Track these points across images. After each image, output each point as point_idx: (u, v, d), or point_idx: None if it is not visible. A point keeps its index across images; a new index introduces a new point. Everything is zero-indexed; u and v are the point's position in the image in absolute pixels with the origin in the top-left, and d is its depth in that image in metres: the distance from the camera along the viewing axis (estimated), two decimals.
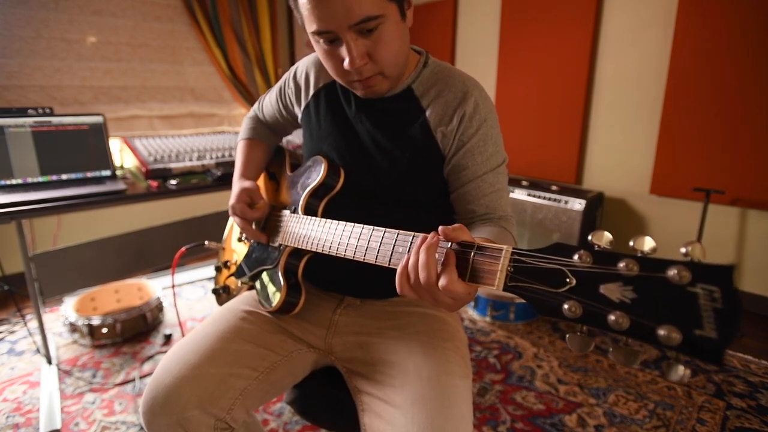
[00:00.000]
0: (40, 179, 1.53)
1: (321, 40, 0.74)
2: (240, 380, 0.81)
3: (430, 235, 0.59)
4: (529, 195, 2.54)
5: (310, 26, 0.72)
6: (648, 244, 0.43)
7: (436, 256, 0.57)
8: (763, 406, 1.55)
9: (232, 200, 0.96)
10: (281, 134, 1.16)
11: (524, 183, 2.64)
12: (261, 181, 1.12)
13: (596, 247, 0.45)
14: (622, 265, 0.42)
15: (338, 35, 0.71)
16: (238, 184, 0.98)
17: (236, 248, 1.10)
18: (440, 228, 0.58)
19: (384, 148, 0.85)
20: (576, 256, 0.45)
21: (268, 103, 1.09)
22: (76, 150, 1.61)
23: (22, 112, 1.55)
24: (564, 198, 2.41)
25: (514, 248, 0.51)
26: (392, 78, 0.80)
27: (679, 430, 1.43)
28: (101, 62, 2.63)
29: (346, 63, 0.73)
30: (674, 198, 2.33)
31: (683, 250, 0.40)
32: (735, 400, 1.57)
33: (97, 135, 1.66)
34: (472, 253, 0.55)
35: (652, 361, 1.79)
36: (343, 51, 0.72)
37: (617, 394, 1.60)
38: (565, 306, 0.44)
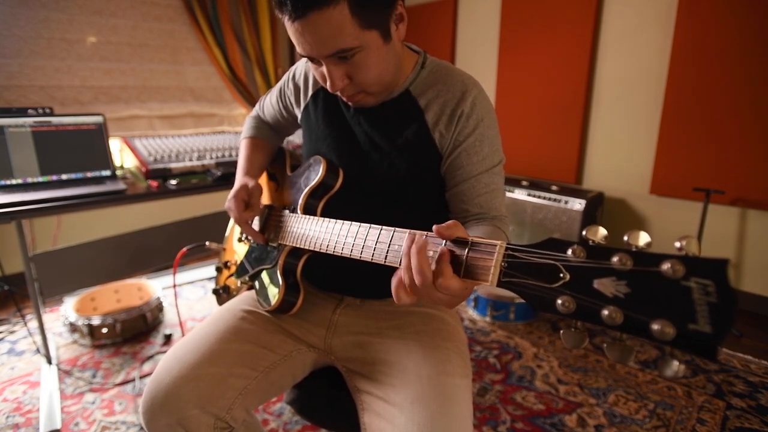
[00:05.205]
0: (40, 179, 1.53)
1: (305, 59, 0.77)
2: (239, 380, 0.81)
3: (418, 237, 0.58)
4: (529, 195, 2.54)
5: (296, 46, 0.74)
6: (642, 238, 0.42)
7: (430, 254, 0.57)
8: (763, 406, 1.54)
9: (230, 195, 0.94)
10: (283, 134, 1.16)
11: (524, 183, 2.63)
12: (263, 182, 1.12)
13: (590, 242, 0.45)
14: (615, 259, 0.41)
15: (318, 59, 0.74)
16: (240, 180, 0.97)
17: (237, 248, 1.10)
18: (434, 227, 0.57)
19: (382, 150, 0.85)
20: (570, 251, 0.44)
21: (268, 104, 1.09)
22: (76, 150, 1.61)
23: (22, 112, 1.55)
24: (564, 198, 2.40)
25: (507, 244, 0.51)
26: (376, 94, 0.81)
27: (679, 430, 1.43)
28: (101, 62, 2.64)
29: (327, 84, 0.76)
30: (674, 198, 2.33)
31: (678, 244, 0.40)
32: (735, 400, 1.56)
33: (97, 135, 1.66)
34: (467, 250, 0.55)
35: (652, 361, 1.79)
36: (325, 71, 0.74)
37: (617, 394, 1.60)
38: (559, 301, 0.44)
